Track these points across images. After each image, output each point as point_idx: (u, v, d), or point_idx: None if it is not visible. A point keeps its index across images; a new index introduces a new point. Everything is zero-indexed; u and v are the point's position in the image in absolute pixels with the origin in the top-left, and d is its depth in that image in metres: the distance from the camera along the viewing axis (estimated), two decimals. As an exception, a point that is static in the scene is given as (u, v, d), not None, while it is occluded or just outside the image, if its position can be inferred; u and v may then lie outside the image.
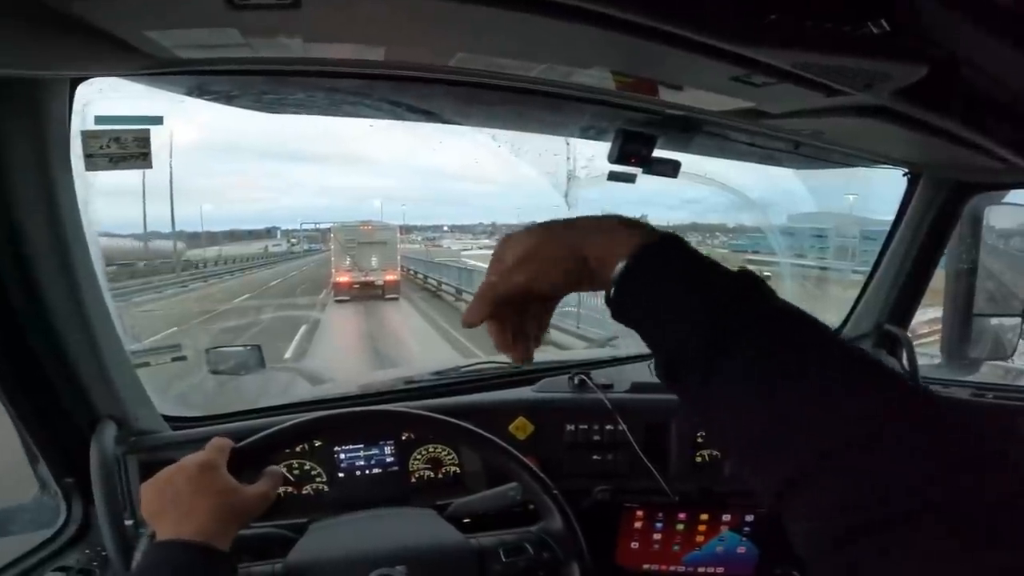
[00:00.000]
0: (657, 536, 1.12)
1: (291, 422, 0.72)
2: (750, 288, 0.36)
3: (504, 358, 1.38)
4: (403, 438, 1.06)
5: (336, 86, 0.84)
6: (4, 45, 0.52)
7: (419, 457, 1.07)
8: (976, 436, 0.30)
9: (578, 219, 0.43)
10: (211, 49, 0.62)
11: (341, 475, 1.03)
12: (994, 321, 1.37)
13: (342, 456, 1.03)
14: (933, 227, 1.32)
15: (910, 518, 0.27)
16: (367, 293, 14.00)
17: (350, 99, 0.91)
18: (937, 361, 1.50)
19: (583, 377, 1.16)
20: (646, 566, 1.13)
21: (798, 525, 0.32)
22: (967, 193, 1.32)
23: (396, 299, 14.31)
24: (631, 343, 1.54)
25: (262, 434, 0.69)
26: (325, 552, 0.77)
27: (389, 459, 1.05)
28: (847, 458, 0.29)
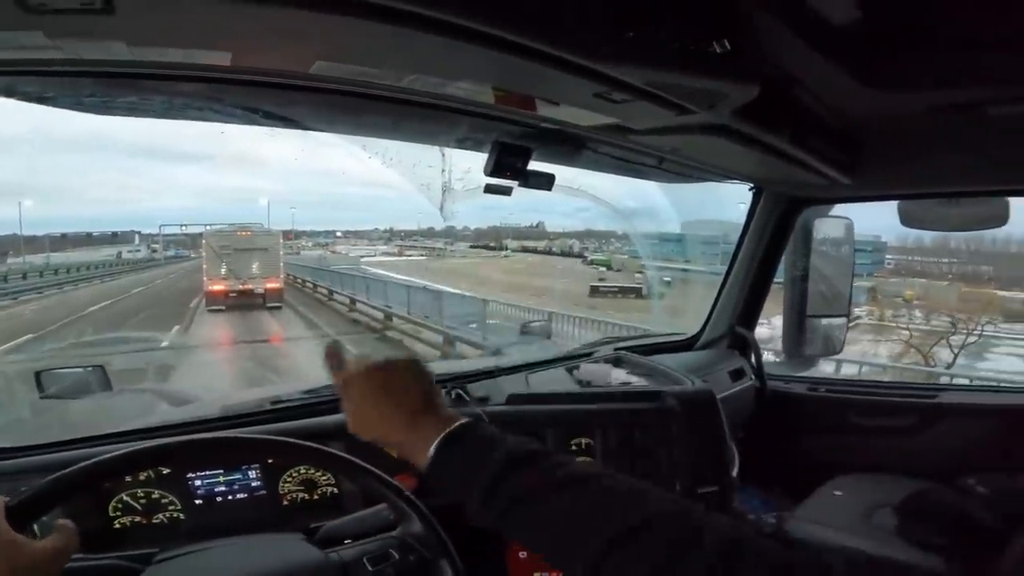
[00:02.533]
0: None
1: (70, 469, 0.64)
2: (517, 461, 0.53)
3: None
4: (269, 461, 1.01)
5: (178, 89, 0.80)
6: None
7: (290, 480, 1.02)
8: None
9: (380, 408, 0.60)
10: (13, 51, 0.58)
11: (199, 502, 0.96)
12: (824, 321, 1.61)
13: (198, 483, 0.96)
14: (772, 238, 1.54)
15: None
16: (245, 302, 13.07)
17: (195, 103, 0.86)
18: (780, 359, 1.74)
19: (459, 391, 1.18)
20: (537, 574, 1.15)
21: None
22: (799, 207, 1.55)
23: (279, 308, 13.49)
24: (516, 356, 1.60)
25: (35, 486, 0.61)
26: None
27: (255, 483, 1.00)
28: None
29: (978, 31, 0.85)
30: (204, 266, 13.82)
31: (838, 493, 1.49)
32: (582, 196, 1.50)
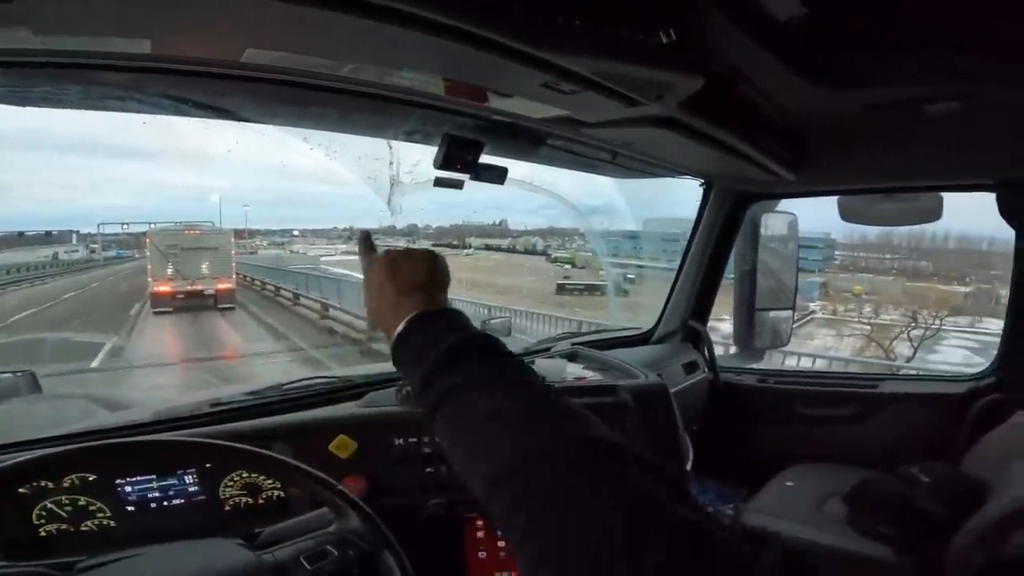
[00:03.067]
0: (502, 544, 1.14)
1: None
2: (461, 351, 0.49)
3: (332, 373, 1.34)
4: (207, 466, 0.98)
5: (96, 79, 0.76)
6: None
7: (231, 484, 1.00)
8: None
9: (387, 294, 0.57)
10: None
11: (131, 508, 0.94)
12: (772, 314, 1.67)
13: (128, 489, 0.93)
14: (722, 233, 1.58)
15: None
16: (195, 303, 12.56)
17: (116, 93, 0.82)
18: (733, 351, 1.80)
19: (409, 389, 1.15)
20: (498, 574, 1.14)
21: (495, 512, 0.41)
22: (747, 202, 1.60)
23: (232, 309, 13.03)
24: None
25: None
26: None
27: (193, 489, 0.97)
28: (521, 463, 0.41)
29: (915, 30, 0.88)
30: (148, 266, 13.13)
31: (790, 483, 1.54)
32: (539, 192, 1.51)
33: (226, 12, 0.52)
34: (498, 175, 1.28)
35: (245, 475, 1.00)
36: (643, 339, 1.75)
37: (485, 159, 1.22)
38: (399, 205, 1.25)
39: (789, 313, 1.68)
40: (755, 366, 1.77)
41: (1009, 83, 0.95)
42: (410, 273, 0.57)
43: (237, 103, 0.93)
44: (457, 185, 1.25)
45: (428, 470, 1.12)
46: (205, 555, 0.78)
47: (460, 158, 1.17)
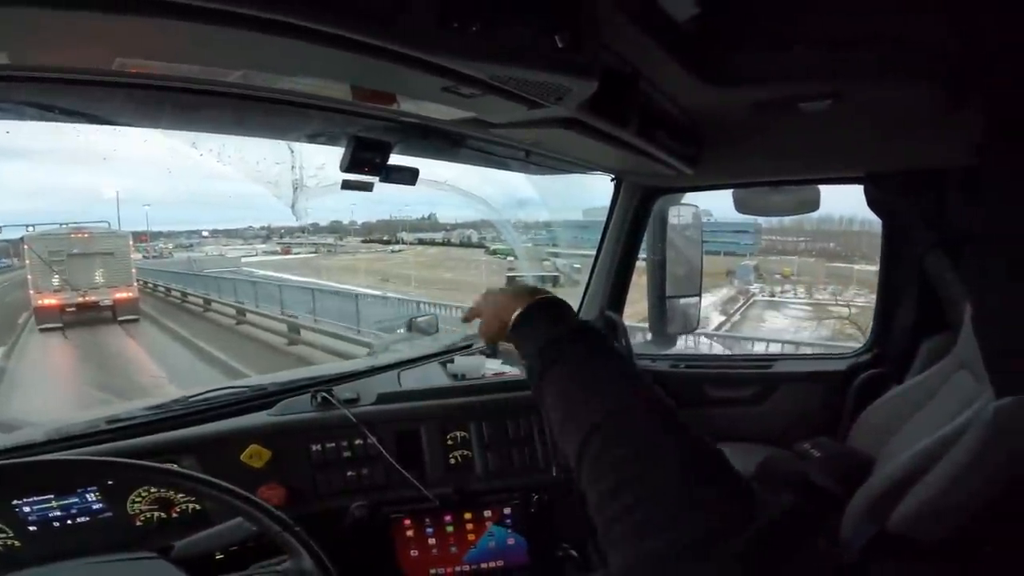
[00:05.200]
0: (432, 541, 1.20)
1: None
2: (575, 332, 0.63)
3: (242, 382, 1.32)
4: (108, 483, 0.99)
5: None
6: None
7: (139, 499, 1.00)
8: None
9: (503, 295, 0.76)
10: None
11: (33, 528, 0.94)
12: (682, 301, 1.81)
13: (27, 509, 0.95)
14: (632, 225, 1.70)
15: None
16: (90, 317, 11.42)
17: None
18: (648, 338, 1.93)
19: (325, 394, 1.18)
20: (433, 570, 1.20)
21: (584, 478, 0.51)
22: (653, 196, 1.73)
23: (135, 321, 11.94)
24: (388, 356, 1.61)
25: None
26: None
27: (97, 506, 0.98)
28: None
29: (791, 30, 0.97)
30: (29, 277, 11.72)
31: None
32: (449, 190, 1.55)
33: (89, 24, 0.52)
34: (409, 176, 1.30)
35: (154, 490, 1.01)
36: (564, 331, 1.83)
37: (396, 159, 1.23)
38: (304, 210, 1.26)
39: (696, 299, 1.82)
40: (669, 352, 1.91)
41: (873, 81, 1.06)
42: (507, 294, 0.74)
43: (112, 109, 0.90)
44: (366, 187, 1.26)
45: (349, 474, 1.15)
46: (133, 573, 0.81)
47: (368, 160, 1.18)
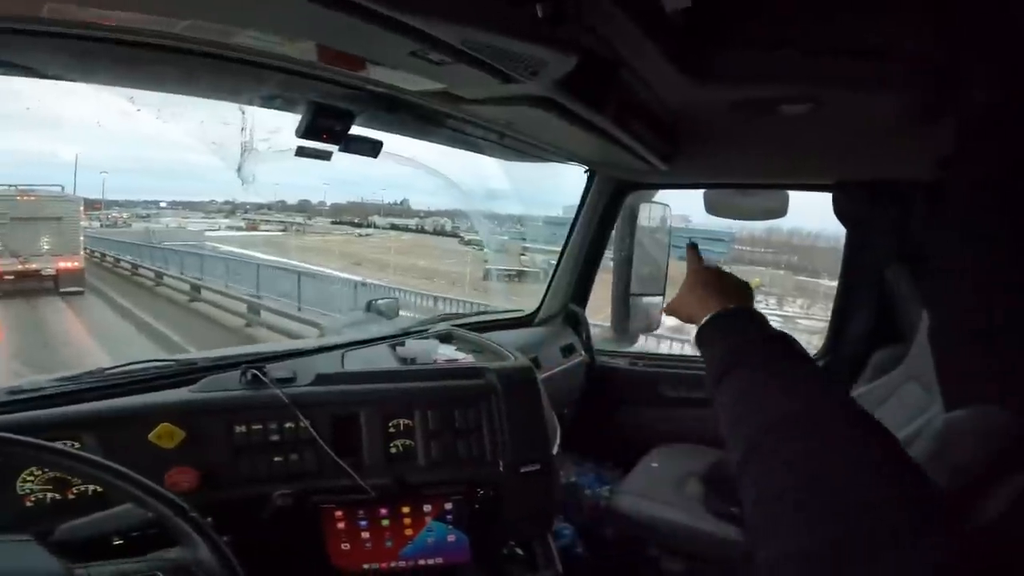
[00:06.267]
0: (366, 534, 1.14)
1: None
2: (769, 337, 0.64)
3: (169, 356, 1.24)
4: None
5: None
6: None
7: (31, 479, 0.92)
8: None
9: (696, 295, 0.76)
10: None
11: None
12: (645, 300, 1.80)
13: None
14: (601, 220, 1.68)
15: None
16: (28, 286, 10.79)
17: None
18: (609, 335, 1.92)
19: (255, 372, 1.11)
20: (366, 565, 1.14)
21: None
22: (625, 191, 1.71)
23: (79, 293, 11.32)
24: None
25: None
26: None
27: None
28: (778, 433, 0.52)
29: (776, 31, 0.97)
30: None
31: (655, 464, 1.68)
32: (415, 166, 1.50)
33: None
34: (371, 148, 1.25)
35: (47, 470, 0.93)
36: (525, 322, 1.82)
37: (358, 131, 1.20)
38: (251, 174, 1.19)
39: (660, 300, 1.82)
40: (628, 349, 1.91)
41: (853, 88, 1.07)
42: (716, 285, 0.75)
43: (47, 60, 0.85)
44: (324, 156, 1.21)
45: (276, 459, 1.08)
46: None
47: (327, 128, 1.14)
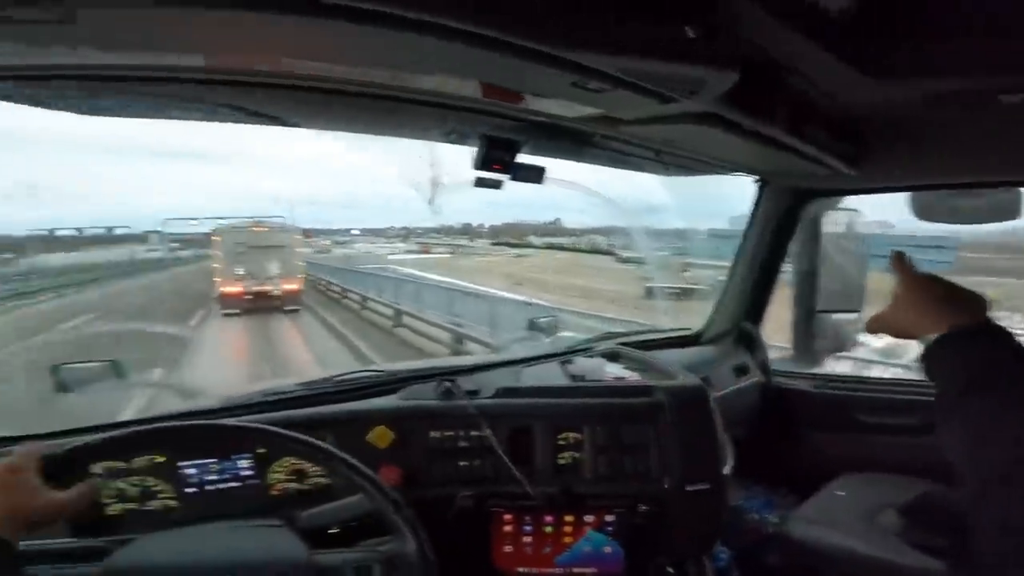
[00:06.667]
0: (528, 539, 1.21)
1: (106, 435, 0.79)
2: (1015, 359, 0.61)
3: (378, 366, 1.45)
4: (260, 451, 1.08)
5: (160, 90, 0.87)
6: None
7: (279, 469, 1.09)
8: None
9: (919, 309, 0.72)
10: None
11: (190, 490, 1.04)
12: (835, 317, 1.63)
13: (190, 471, 1.04)
14: (777, 232, 1.56)
15: None
16: (262, 305, 12.77)
17: (179, 104, 0.94)
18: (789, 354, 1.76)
19: (448, 384, 1.24)
20: (521, 569, 1.22)
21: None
22: (805, 199, 1.57)
23: (297, 311, 13.44)
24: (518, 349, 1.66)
25: (72, 444, 0.77)
26: (146, 561, 0.79)
27: (246, 472, 1.07)
28: None
29: (986, 17, 0.86)
30: (215, 266, 13.43)
31: (841, 493, 1.50)
32: (579, 189, 1.55)
33: (262, 27, 0.60)
34: (536, 174, 1.33)
35: (293, 461, 1.10)
36: (692, 340, 1.76)
37: (523, 158, 1.28)
38: (440, 205, 1.35)
39: (855, 316, 1.63)
40: (812, 371, 1.73)
41: None
42: (953, 294, 0.71)
43: (286, 109, 1.02)
44: (496, 185, 1.31)
45: (461, 463, 1.19)
46: (261, 538, 0.86)
47: (498, 158, 1.23)
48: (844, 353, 1.76)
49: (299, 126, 1.12)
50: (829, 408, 1.62)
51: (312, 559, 0.83)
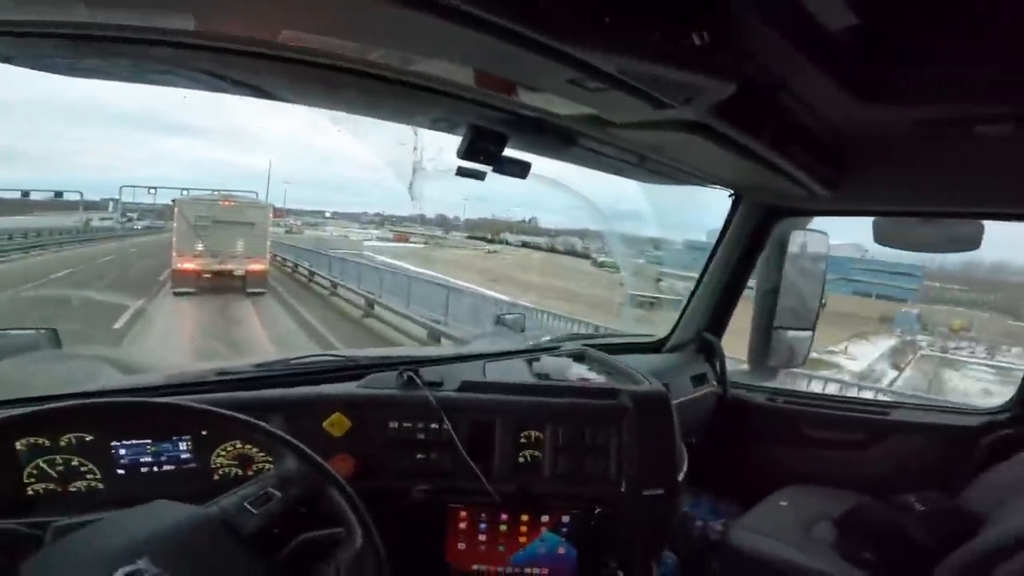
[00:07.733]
0: (483, 536, 1.20)
1: (29, 409, 0.73)
2: None
3: (338, 352, 1.41)
4: (203, 433, 1.04)
5: (143, 53, 0.83)
6: None
7: (224, 454, 1.05)
8: None
9: None
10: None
11: (121, 472, 0.99)
12: (791, 334, 1.68)
13: (122, 452, 0.98)
14: (747, 247, 1.60)
15: None
16: (221, 284, 11.72)
17: (161, 67, 0.90)
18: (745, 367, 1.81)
19: (411, 374, 1.22)
20: (475, 566, 1.21)
21: None
22: (776, 217, 1.62)
23: (261, 294, 12.30)
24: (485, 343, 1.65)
25: None
26: (63, 557, 0.71)
27: (185, 455, 1.02)
28: None
29: (973, 47, 0.88)
30: (173, 239, 12.00)
31: (784, 503, 1.56)
32: (561, 189, 1.56)
33: None
34: (520, 169, 1.33)
35: (239, 445, 1.05)
36: (655, 347, 1.79)
37: (509, 152, 1.27)
38: (420, 192, 1.32)
39: (808, 334, 1.69)
40: (767, 384, 1.79)
41: None
42: None
43: (270, 82, 0.99)
44: (479, 176, 1.30)
45: (419, 456, 1.17)
46: (153, 517, 0.78)
47: (484, 149, 1.22)
48: (796, 369, 1.82)
49: (283, 100, 1.08)
50: (780, 421, 1.68)
51: (205, 511, 0.78)
